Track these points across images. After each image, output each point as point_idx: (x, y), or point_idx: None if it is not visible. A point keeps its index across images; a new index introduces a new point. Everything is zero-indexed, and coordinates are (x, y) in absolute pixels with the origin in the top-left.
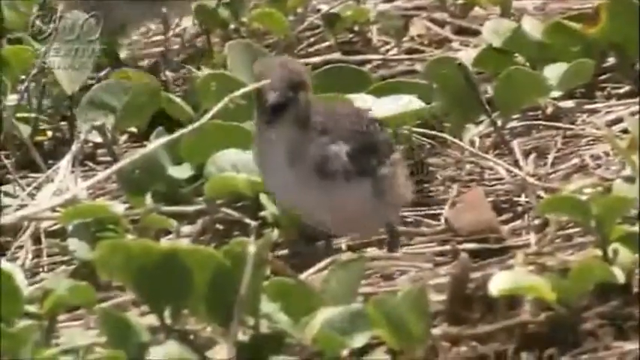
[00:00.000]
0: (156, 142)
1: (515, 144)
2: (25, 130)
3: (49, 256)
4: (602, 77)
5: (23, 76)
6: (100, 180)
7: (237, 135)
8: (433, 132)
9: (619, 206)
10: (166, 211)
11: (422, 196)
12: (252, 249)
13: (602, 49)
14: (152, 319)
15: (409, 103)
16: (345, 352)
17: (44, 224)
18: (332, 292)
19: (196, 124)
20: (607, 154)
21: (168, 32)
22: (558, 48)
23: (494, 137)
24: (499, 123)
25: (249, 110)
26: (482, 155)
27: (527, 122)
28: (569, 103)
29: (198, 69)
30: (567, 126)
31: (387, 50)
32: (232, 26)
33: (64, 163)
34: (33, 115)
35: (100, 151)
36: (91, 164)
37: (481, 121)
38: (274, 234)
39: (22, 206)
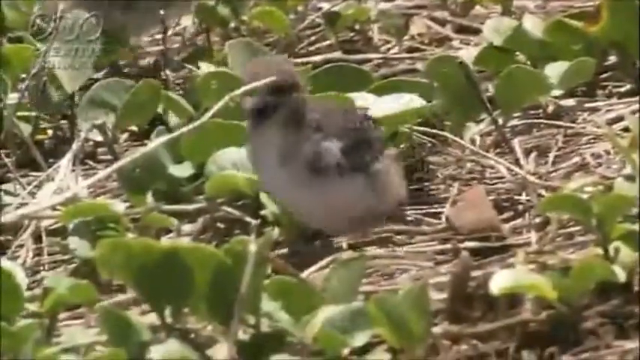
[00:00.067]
0: (156, 141)
1: (516, 142)
2: (26, 128)
3: (49, 254)
4: (603, 76)
5: (24, 75)
6: (101, 178)
7: (238, 133)
8: (434, 130)
9: (620, 205)
10: (167, 210)
11: (423, 195)
12: (252, 247)
13: (603, 48)
14: (153, 318)
15: (410, 101)
16: (345, 351)
17: (45, 223)
18: (333, 291)
19: (197, 123)
20: (608, 152)
21: (167, 31)
22: (559, 46)
23: (495, 136)
24: (500, 121)
25: None
26: (483, 154)
27: (528, 121)
28: (570, 102)
29: (199, 68)
30: (568, 124)
31: (388, 49)
32: (232, 25)
33: (65, 161)
34: (33, 113)
35: (100, 149)
36: (91, 163)
37: (482, 120)
38: (275, 232)
39: (22, 205)
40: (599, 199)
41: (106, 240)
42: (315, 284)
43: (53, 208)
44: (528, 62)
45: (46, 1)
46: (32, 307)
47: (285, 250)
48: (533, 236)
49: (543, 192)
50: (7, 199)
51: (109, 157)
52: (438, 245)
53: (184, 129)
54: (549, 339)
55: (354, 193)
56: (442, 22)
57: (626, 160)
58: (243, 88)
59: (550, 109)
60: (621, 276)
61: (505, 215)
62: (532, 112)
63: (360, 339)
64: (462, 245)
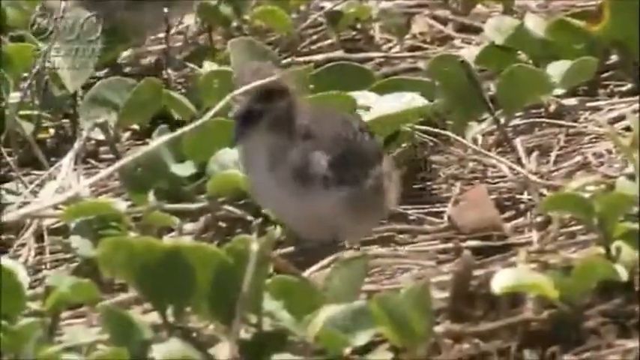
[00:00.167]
0: (158, 140)
1: (518, 142)
2: (28, 127)
3: (51, 253)
4: (605, 75)
5: (26, 74)
6: (103, 177)
7: None
8: (436, 130)
9: (622, 204)
10: (169, 209)
11: (425, 194)
12: (254, 246)
13: (605, 47)
14: (155, 317)
15: (412, 100)
16: (347, 350)
17: (47, 222)
18: (335, 290)
19: (199, 122)
20: (610, 151)
21: (170, 30)
22: (561, 45)
23: (497, 135)
24: (502, 121)
25: None
26: (485, 153)
27: (530, 120)
28: (572, 101)
29: (201, 66)
30: (570, 124)
31: (390, 48)
32: (235, 24)
33: (67, 160)
34: (35, 112)
35: (102, 148)
36: (93, 162)
37: (484, 119)
38: (277, 231)
39: (24, 204)
40: (600, 198)
41: (108, 239)
42: (317, 283)
43: (55, 207)
44: (530, 61)
45: (48, 0)
46: (34, 305)
47: (287, 249)
48: (534, 235)
49: (545, 191)
50: (9, 197)
51: (110, 155)
52: (440, 244)
53: (186, 128)
54: (551, 338)
55: (337, 207)
56: (444, 21)
57: (628, 160)
58: (241, 90)
59: (552, 108)
60: (623, 275)
61: (507, 214)
62: (534, 111)
63: (361, 338)
64: (463, 244)
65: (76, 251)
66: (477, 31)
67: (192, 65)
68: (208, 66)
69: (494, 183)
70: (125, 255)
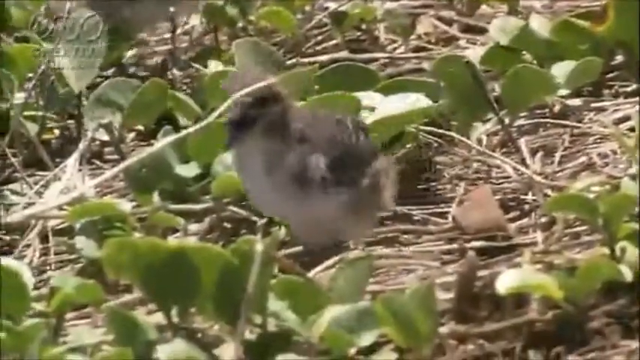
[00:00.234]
0: (163, 141)
1: (523, 142)
2: (33, 128)
3: (56, 254)
4: (610, 75)
5: (30, 75)
6: (108, 178)
7: None
8: (440, 130)
9: (626, 204)
10: (174, 210)
11: (429, 195)
12: (259, 247)
13: (609, 47)
14: (159, 318)
15: (416, 101)
16: (352, 351)
17: (51, 222)
18: (339, 291)
19: (204, 123)
20: (614, 152)
21: (175, 30)
22: (566, 46)
23: (502, 135)
24: (506, 121)
25: None
26: (490, 153)
27: (535, 120)
28: (576, 102)
29: (206, 67)
30: (575, 124)
31: (395, 48)
32: (240, 24)
33: (72, 161)
34: (40, 113)
35: (107, 149)
36: (98, 162)
37: (488, 120)
38: (282, 232)
39: (29, 204)
40: (605, 198)
41: (113, 240)
42: (322, 284)
43: (60, 207)
44: (535, 62)
45: (52, 0)
46: (39, 306)
47: (292, 250)
48: (539, 236)
49: (549, 192)
50: (14, 198)
51: (115, 156)
52: (444, 245)
53: (191, 129)
54: (556, 339)
55: (337, 210)
56: (448, 22)
57: (633, 160)
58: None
59: (556, 108)
60: (627, 275)
61: (511, 215)
62: (538, 111)
63: (366, 338)
64: (468, 245)
65: (80, 252)
66: (482, 31)
67: (197, 66)
68: (214, 66)
69: (499, 183)
70: (130, 256)
